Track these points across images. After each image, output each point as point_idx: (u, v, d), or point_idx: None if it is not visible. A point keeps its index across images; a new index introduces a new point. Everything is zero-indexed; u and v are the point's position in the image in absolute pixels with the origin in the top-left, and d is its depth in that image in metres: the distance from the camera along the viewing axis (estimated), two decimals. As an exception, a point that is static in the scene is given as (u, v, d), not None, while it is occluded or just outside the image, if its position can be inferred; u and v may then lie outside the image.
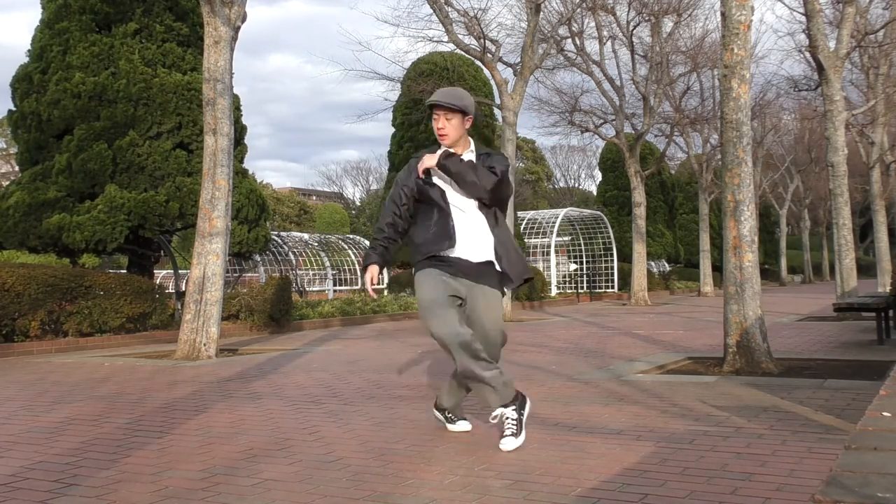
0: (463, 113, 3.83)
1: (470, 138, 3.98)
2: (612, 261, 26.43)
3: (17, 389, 5.99)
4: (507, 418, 3.69)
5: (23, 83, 11.97)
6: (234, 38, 8.66)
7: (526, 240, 24.71)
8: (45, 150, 11.84)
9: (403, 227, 3.96)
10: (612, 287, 26.16)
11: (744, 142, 6.29)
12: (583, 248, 27.30)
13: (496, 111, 17.62)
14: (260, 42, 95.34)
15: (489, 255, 3.85)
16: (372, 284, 3.92)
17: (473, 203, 3.88)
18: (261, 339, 10.75)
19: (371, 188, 57.30)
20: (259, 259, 19.40)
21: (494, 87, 15.93)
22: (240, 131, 12.97)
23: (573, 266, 27.11)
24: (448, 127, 3.82)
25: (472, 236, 3.86)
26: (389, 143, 21.73)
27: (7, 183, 21.38)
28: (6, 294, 8.92)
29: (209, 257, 8.38)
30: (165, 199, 11.49)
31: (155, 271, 15.15)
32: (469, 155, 3.92)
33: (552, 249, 25.45)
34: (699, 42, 20.91)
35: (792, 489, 2.82)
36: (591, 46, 21.88)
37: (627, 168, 20.43)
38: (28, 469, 3.43)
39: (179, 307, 11.11)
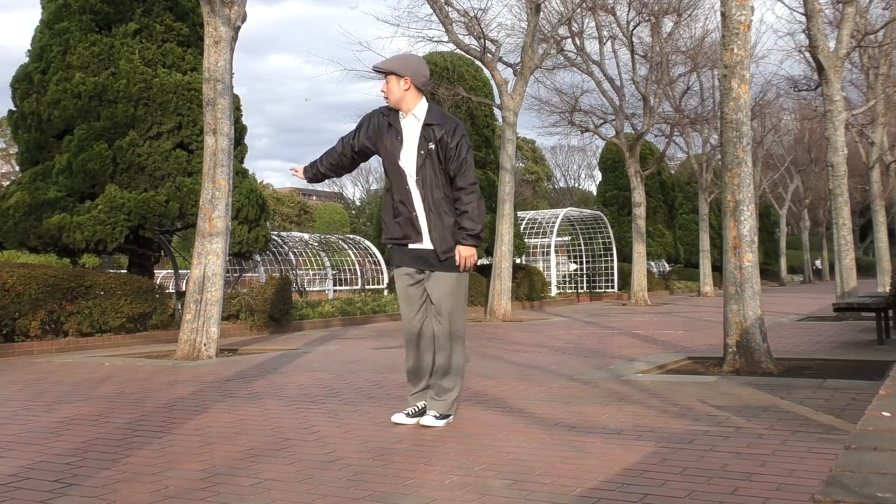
0: (396, 75, 4.17)
1: (420, 100, 4.24)
2: (612, 261, 26.43)
3: (17, 389, 5.99)
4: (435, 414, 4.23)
5: (23, 83, 11.97)
6: (234, 38, 8.66)
7: (526, 240, 24.71)
8: (46, 150, 11.83)
9: (338, 172, 4.55)
10: (612, 287, 26.16)
11: (744, 142, 6.29)
12: (583, 248, 27.30)
13: (496, 111, 17.61)
14: (260, 42, 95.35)
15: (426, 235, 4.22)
16: (294, 171, 4.58)
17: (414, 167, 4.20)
18: (261, 339, 10.75)
19: (371, 188, 57.27)
20: (259, 259, 19.39)
21: (494, 87, 15.92)
22: (240, 131, 12.97)
23: (573, 266, 27.11)
24: (387, 89, 4.21)
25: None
26: (389, 143, 21.70)
27: (7, 183, 21.38)
28: (6, 294, 8.92)
29: (209, 257, 8.38)
30: (165, 199, 11.49)
31: (155, 271, 15.14)
32: (412, 120, 4.20)
33: (552, 249, 25.45)
34: (699, 42, 20.90)
35: (792, 489, 2.82)
36: (591, 46, 21.89)
37: (627, 168, 20.42)
38: (28, 469, 3.43)
39: (179, 307, 11.11)
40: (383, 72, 4.21)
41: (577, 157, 55.72)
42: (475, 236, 4.13)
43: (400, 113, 4.23)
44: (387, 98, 4.24)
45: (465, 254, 4.13)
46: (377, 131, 4.28)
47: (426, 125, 4.14)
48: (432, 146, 4.11)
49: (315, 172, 4.51)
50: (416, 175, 4.13)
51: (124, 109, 11.52)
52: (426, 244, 4.15)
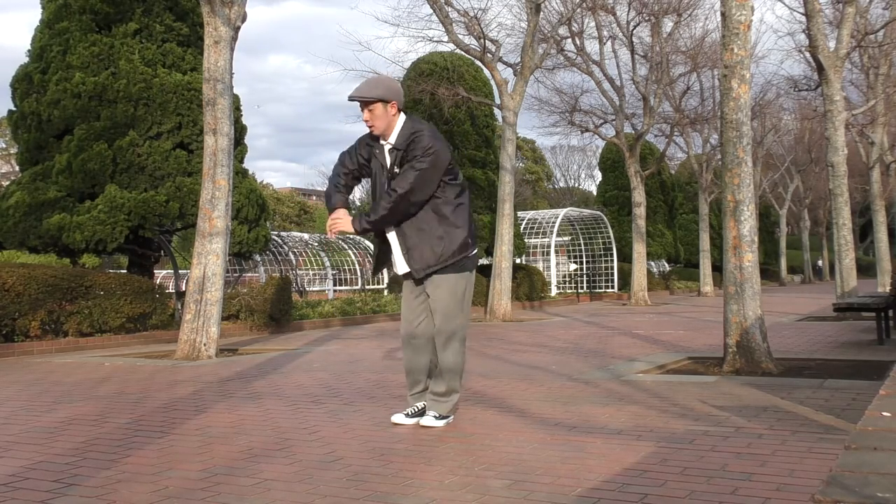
0: (383, 101, 3.97)
1: (401, 119, 4.08)
2: (612, 261, 26.43)
3: (17, 389, 5.99)
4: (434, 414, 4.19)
5: (23, 83, 11.97)
6: (234, 38, 8.66)
7: (526, 240, 24.71)
8: (46, 150, 11.84)
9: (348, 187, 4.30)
10: (612, 287, 26.16)
11: (744, 142, 6.29)
12: (583, 248, 27.29)
13: (496, 111, 17.61)
14: (260, 42, 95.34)
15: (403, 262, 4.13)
16: (336, 226, 4.11)
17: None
18: (261, 339, 10.75)
19: (371, 188, 57.16)
20: (259, 259, 19.39)
21: (494, 87, 15.92)
22: (240, 131, 12.97)
23: (573, 266, 27.11)
24: (372, 118, 4.00)
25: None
26: (389, 143, 21.69)
27: (7, 183, 21.37)
28: (6, 294, 8.92)
29: (209, 257, 8.38)
30: (165, 199, 11.49)
31: (155, 271, 15.14)
32: (388, 146, 4.07)
33: (552, 249, 25.45)
34: (699, 42, 20.91)
35: (792, 489, 2.82)
36: (591, 46, 21.92)
37: (627, 168, 20.42)
38: (28, 469, 3.42)
39: (179, 307, 11.11)
40: (367, 101, 3.96)
41: (577, 157, 55.71)
42: (364, 223, 3.99)
43: (381, 140, 4.11)
44: (372, 127, 4.01)
45: (338, 217, 4.06)
46: (366, 160, 4.22)
47: (394, 149, 4.04)
48: (398, 170, 4.04)
49: (341, 196, 4.24)
50: None
51: (124, 109, 11.52)
52: (407, 266, 4.11)
